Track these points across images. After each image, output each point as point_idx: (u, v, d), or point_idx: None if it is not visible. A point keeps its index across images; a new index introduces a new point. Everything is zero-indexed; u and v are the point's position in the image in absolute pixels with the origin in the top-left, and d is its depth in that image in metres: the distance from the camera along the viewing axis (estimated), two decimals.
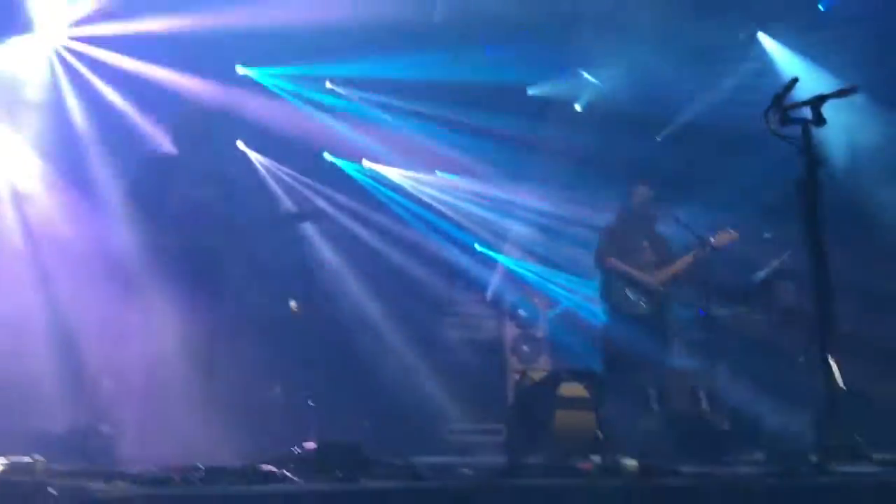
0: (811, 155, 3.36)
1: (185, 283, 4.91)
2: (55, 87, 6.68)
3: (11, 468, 2.24)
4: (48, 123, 6.45)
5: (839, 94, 3.43)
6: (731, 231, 5.97)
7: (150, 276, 5.01)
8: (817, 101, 3.39)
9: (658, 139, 9.92)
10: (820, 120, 3.37)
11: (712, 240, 5.88)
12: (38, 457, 2.30)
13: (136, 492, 1.93)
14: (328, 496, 2.14)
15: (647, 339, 5.77)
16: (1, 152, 6.09)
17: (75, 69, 6.73)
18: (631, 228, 6.12)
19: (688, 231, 6.04)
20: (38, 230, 5.98)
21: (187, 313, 4.90)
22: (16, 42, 6.43)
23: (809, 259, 3.27)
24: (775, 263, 6.19)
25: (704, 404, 4.78)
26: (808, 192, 3.27)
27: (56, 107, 6.61)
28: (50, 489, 1.77)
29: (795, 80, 3.49)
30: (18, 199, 6.06)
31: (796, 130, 3.43)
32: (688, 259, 5.93)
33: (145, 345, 4.95)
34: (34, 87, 6.58)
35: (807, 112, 3.41)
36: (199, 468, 2.49)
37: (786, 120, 3.41)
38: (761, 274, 6.28)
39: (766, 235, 6.46)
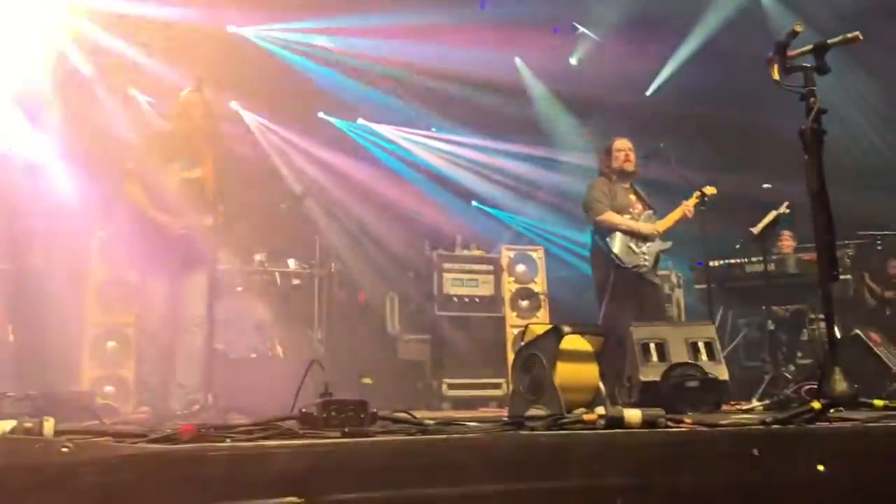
0: (814, 103, 3.33)
1: None
2: None
3: (21, 429, 2.24)
4: None
5: (842, 42, 3.39)
6: (711, 186, 6.04)
7: None
8: (821, 49, 3.36)
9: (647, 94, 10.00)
10: (823, 68, 3.34)
11: (705, 190, 5.94)
12: (47, 417, 2.29)
13: (148, 449, 1.94)
14: (337, 451, 2.15)
15: (647, 292, 5.82)
16: None
17: None
18: (616, 183, 6.07)
19: (681, 181, 6.08)
20: None
21: None
22: None
23: (813, 208, 3.26)
24: (773, 213, 6.20)
25: (703, 355, 4.79)
26: (812, 140, 3.25)
27: None
28: (63, 447, 1.77)
29: (798, 30, 3.44)
30: None
31: (799, 79, 3.41)
32: (680, 211, 5.96)
33: None
34: None
35: (810, 60, 3.38)
36: (208, 425, 2.50)
37: (789, 68, 3.38)
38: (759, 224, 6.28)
39: (765, 185, 6.47)
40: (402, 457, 2.15)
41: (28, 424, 2.31)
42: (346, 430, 2.57)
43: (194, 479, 1.87)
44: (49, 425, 2.30)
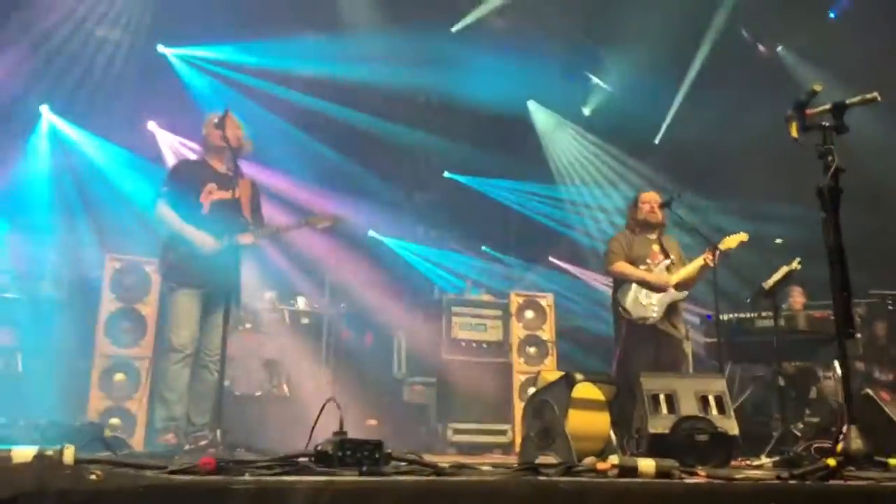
0: (832, 161, 3.38)
1: None
2: None
3: (43, 457, 2.25)
4: None
5: (861, 102, 3.44)
6: (741, 233, 6.03)
7: None
8: (839, 109, 3.42)
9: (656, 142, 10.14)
10: (842, 127, 3.39)
11: (721, 244, 5.93)
12: (67, 445, 2.30)
13: (174, 480, 1.94)
14: (358, 489, 2.16)
15: (662, 342, 5.81)
16: None
17: None
18: (640, 234, 6.17)
19: (697, 234, 6.10)
20: None
21: None
22: None
23: (831, 265, 3.28)
24: (785, 269, 6.20)
25: (713, 409, 4.76)
26: (830, 198, 3.28)
27: None
28: (92, 475, 1.78)
29: (818, 89, 3.50)
30: None
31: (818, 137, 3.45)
32: (699, 262, 5.96)
33: None
34: None
35: (829, 119, 3.43)
36: (226, 459, 2.51)
37: (807, 126, 3.43)
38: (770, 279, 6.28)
39: (777, 241, 6.49)
40: (422, 498, 2.15)
41: (49, 452, 2.32)
42: (364, 469, 2.57)
43: None
44: (69, 453, 2.31)
